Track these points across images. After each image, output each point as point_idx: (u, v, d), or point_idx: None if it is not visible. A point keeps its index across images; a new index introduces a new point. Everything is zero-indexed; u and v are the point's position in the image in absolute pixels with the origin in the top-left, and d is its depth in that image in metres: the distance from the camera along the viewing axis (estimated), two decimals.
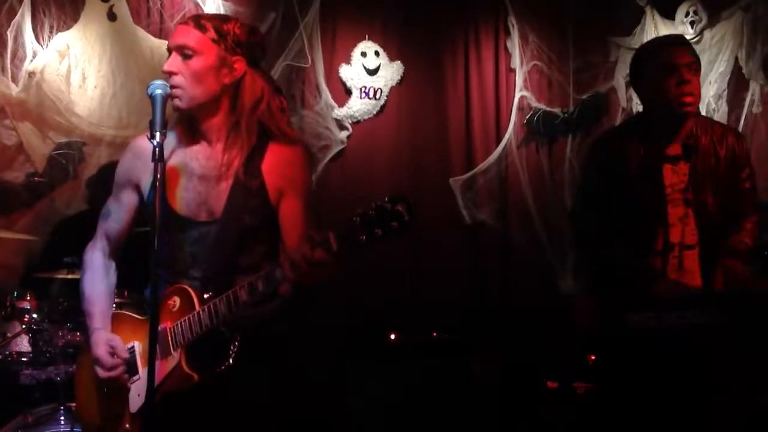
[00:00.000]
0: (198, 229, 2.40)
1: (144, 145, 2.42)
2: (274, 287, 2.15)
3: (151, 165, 2.18)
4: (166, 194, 2.36)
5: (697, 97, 3.23)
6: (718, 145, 3.25)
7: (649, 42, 3.67)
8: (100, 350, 2.42)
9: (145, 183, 2.46)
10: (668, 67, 3.14)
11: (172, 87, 2.32)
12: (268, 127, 2.43)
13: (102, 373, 2.41)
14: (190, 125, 2.45)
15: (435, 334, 4.71)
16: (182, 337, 2.30)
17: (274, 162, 2.41)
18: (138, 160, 2.48)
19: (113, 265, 2.61)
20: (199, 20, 2.40)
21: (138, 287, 2.64)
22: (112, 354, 2.41)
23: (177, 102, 2.36)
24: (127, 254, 2.62)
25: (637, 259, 3.19)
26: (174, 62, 2.36)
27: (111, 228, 2.56)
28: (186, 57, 2.35)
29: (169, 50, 2.40)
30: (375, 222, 1.97)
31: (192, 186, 2.41)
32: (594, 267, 3.45)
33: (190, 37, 2.36)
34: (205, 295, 2.31)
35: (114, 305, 2.82)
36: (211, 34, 2.36)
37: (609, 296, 3.18)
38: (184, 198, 2.40)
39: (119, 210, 2.54)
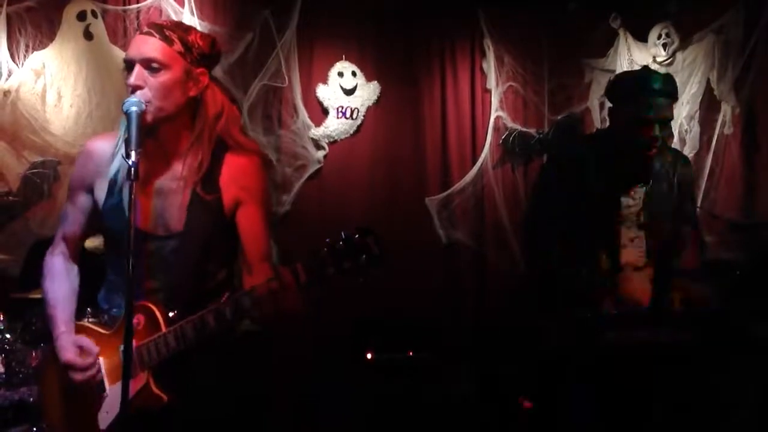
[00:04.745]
0: (154, 243, 2.36)
1: (96, 147, 2.43)
2: (242, 314, 2.15)
3: (104, 168, 2.19)
4: (124, 207, 2.32)
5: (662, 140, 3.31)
6: (671, 170, 3.38)
7: (633, 77, 3.44)
8: (69, 354, 2.36)
9: (99, 187, 2.42)
10: (643, 120, 3.18)
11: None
12: (224, 139, 2.41)
13: (78, 376, 2.35)
14: (148, 138, 2.34)
15: (411, 353, 4.72)
16: (149, 358, 2.27)
17: (231, 173, 2.40)
18: (89, 162, 2.45)
19: (75, 268, 2.56)
20: (163, 30, 2.32)
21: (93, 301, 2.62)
22: (82, 354, 2.35)
23: (144, 116, 2.25)
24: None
25: (583, 277, 3.25)
26: (140, 76, 2.28)
27: (68, 231, 2.52)
28: (153, 71, 2.28)
29: (131, 61, 2.31)
30: (343, 254, 1.98)
31: (149, 200, 2.37)
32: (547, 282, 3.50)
33: (157, 49, 2.29)
34: (170, 314, 2.29)
35: (88, 320, 2.78)
36: (178, 46, 2.30)
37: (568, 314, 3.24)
38: (140, 211, 2.35)
39: (74, 212, 2.50)
